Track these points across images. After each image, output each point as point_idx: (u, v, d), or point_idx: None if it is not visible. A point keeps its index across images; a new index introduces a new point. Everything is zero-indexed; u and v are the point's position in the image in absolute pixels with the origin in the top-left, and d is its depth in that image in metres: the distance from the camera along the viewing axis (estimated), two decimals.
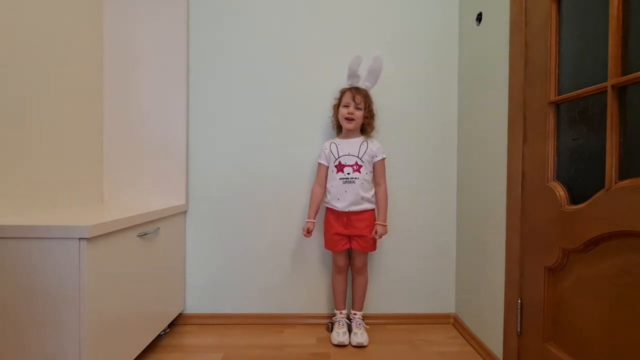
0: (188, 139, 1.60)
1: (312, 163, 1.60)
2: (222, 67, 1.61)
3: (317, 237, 1.57)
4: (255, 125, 1.62)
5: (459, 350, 1.40)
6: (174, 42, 1.55)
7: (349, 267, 1.53)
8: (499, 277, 1.23)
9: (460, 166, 1.60)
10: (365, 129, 1.49)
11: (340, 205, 1.42)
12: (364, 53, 1.45)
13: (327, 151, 1.47)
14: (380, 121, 1.57)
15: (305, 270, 1.64)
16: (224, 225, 1.62)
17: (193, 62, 1.60)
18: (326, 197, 1.48)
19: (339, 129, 1.53)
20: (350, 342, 1.42)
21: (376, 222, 1.43)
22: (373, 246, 1.45)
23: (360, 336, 1.41)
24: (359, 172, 1.41)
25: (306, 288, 1.64)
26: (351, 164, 1.42)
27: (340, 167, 1.43)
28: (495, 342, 1.26)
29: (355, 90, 1.43)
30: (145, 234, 1.21)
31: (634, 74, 0.76)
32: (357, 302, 1.51)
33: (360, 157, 1.42)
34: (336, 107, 1.48)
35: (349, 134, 1.47)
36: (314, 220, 1.47)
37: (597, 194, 0.84)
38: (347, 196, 1.41)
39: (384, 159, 1.46)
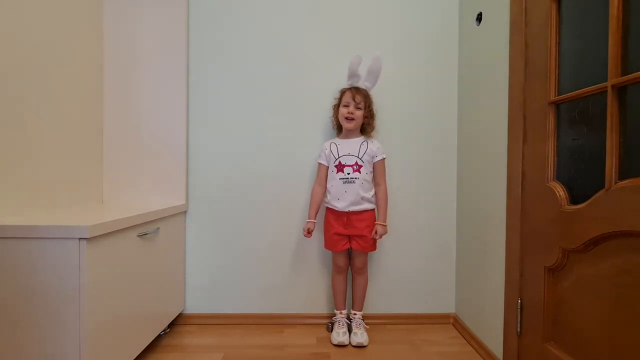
0: (188, 139, 1.60)
1: (312, 163, 1.60)
2: (222, 67, 1.61)
3: (317, 237, 1.57)
4: (255, 125, 1.62)
5: (459, 350, 1.40)
6: (174, 42, 1.55)
7: (349, 267, 1.53)
8: (499, 277, 1.23)
9: (460, 166, 1.60)
10: (365, 129, 1.49)
11: (340, 205, 1.42)
12: (364, 53, 1.45)
13: (327, 151, 1.47)
14: (380, 121, 1.57)
15: (305, 270, 1.64)
16: (224, 225, 1.62)
17: (193, 62, 1.60)
18: (326, 197, 1.48)
19: (339, 129, 1.53)
20: (350, 342, 1.42)
21: (376, 222, 1.43)
22: (373, 246, 1.45)
23: (360, 336, 1.41)
24: (359, 172, 1.41)
25: (306, 288, 1.64)
26: (351, 164, 1.42)
27: (340, 167, 1.43)
28: (495, 342, 1.26)
29: (355, 90, 1.43)
30: (145, 234, 1.21)
31: (634, 74, 0.76)
32: (357, 302, 1.51)
33: (360, 157, 1.42)
34: (336, 107, 1.48)
35: (349, 134, 1.47)
36: (315, 221, 1.47)
37: (597, 194, 0.84)
38: (347, 196, 1.41)
39: (384, 159, 1.46)
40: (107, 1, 1.53)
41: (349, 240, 1.45)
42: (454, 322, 1.63)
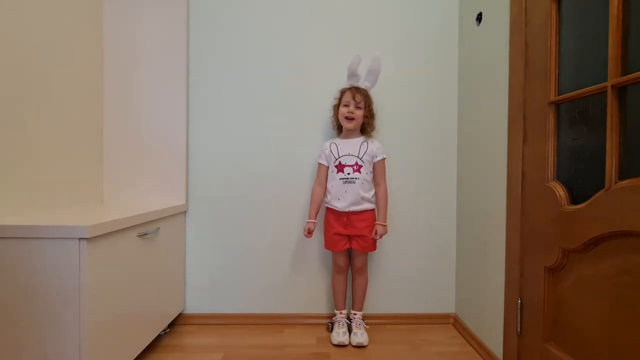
0: (188, 139, 1.60)
1: (312, 163, 1.60)
2: (222, 67, 1.61)
3: (317, 237, 1.57)
4: (255, 125, 1.62)
5: (459, 350, 1.40)
6: (174, 42, 1.55)
7: (349, 267, 1.53)
8: (499, 277, 1.23)
9: (460, 166, 1.60)
10: (365, 128, 1.49)
11: (340, 205, 1.42)
12: (364, 53, 1.45)
13: (327, 151, 1.47)
14: (380, 121, 1.57)
15: (305, 270, 1.64)
16: (224, 225, 1.62)
17: (193, 62, 1.60)
18: (326, 197, 1.48)
19: (339, 129, 1.53)
20: (350, 342, 1.42)
21: (376, 222, 1.43)
22: (373, 246, 1.45)
23: (360, 336, 1.41)
24: (359, 172, 1.41)
25: (306, 288, 1.64)
26: (351, 164, 1.42)
27: (340, 167, 1.43)
28: (495, 342, 1.26)
29: (355, 90, 1.43)
30: (145, 234, 1.21)
31: (634, 74, 0.76)
32: (357, 302, 1.51)
33: (360, 157, 1.42)
34: (336, 107, 1.48)
35: (349, 134, 1.47)
36: (315, 221, 1.47)
37: (597, 194, 0.84)
38: (347, 196, 1.41)
39: (384, 159, 1.46)
40: (107, 1, 1.53)
41: (349, 240, 1.45)
42: (454, 322, 1.63)
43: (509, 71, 1.18)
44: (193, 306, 1.63)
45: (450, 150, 1.64)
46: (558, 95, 0.99)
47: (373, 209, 1.46)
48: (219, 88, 1.61)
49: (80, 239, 0.90)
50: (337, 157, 1.44)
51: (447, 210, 1.64)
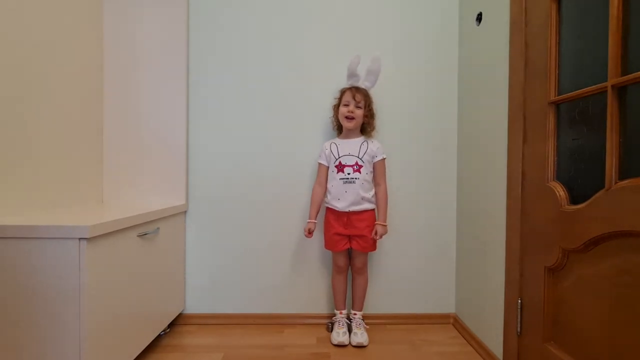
0: (188, 139, 1.60)
1: (312, 163, 1.60)
2: (222, 67, 1.61)
3: (318, 237, 1.57)
4: (255, 125, 1.62)
5: (459, 350, 1.40)
6: (174, 42, 1.55)
7: (349, 267, 1.53)
8: (499, 277, 1.23)
9: (460, 166, 1.60)
10: (365, 128, 1.49)
11: (340, 205, 1.42)
12: (364, 53, 1.45)
13: (327, 151, 1.47)
14: (380, 121, 1.57)
15: (305, 270, 1.64)
16: (224, 225, 1.62)
17: (193, 62, 1.60)
18: (326, 197, 1.48)
19: (339, 130, 1.53)
20: (350, 342, 1.42)
21: (376, 222, 1.43)
22: (373, 246, 1.45)
23: (360, 336, 1.41)
24: (359, 172, 1.41)
25: (306, 288, 1.64)
26: (351, 164, 1.42)
27: (340, 167, 1.43)
28: (495, 342, 1.26)
29: (355, 90, 1.43)
30: (145, 234, 1.21)
31: (634, 74, 0.76)
32: (357, 302, 1.51)
33: (360, 157, 1.42)
34: (336, 107, 1.48)
35: (349, 134, 1.47)
36: (315, 221, 1.47)
37: (597, 194, 0.84)
38: (347, 196, 1.41)
39: (384, 159, 1.46)
40: (107, 1, 1.53)
41: (349, 240, 1.45)
42: (454, 322, 1.63)
43: (509, 71, 1.18)
44: (193, 306, 1.63)
45: (450, 150, 1.64)
46: (558, 95, 0.99)
47: (373, 209, 1.46)
48: (219, 88, 1.61)
49: (80, 239, 0.90)
50: (337, 157, 1.44)
51: (447, 210, 1.64)
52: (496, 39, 1.28)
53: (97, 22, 1.50)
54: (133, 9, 1.54)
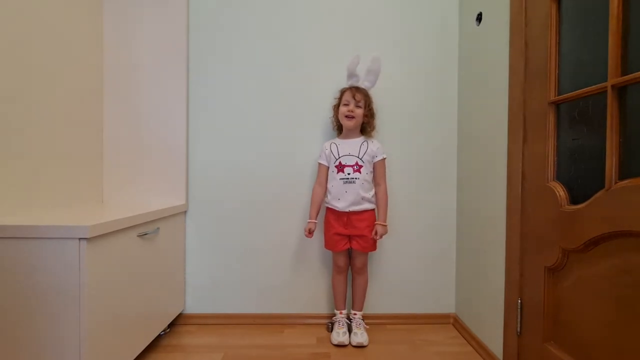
0: (188, 139, 1.60)
1: (313, 163, 1.60)
2: (222, 67, 1.61)
3: (318, 237, 1.57)
4: (255, 125, 1.62)
5: (459, 350, 1.40)
6: (174, 42, 1.55)
7: (349, 267, 1.53)
8: (499, 277, 1.23)
9: (460, 166, 1.60)
10: (365, 128, 1.49)
11: (340, 205, 1.42)
12: (364, 53, 1.45)
13: (327, 151, 1.47)
14: (380, 121, 1.57)
15: (305, 270, 1.64)
16: (224, 225, 1.62)
17: (193, 62, 1.60)
18: (326, 197, 1.48)
19: (339, 130, 1.53)
20: (350, 342, 1.42)
21: (376, 222, 1.43)
22: (373, 246, 1.45)
23: (360, 336, 1.41)
24: (360, 172, 1.41)
25: (306, 288, 1.64)
26: (351, 164, 1.42)
27: (340, 168, 1.43)
28: (495, 342, 1.26)
29: (355, 89, 1.43)
30: (145, 234, 1.21)
31: (634, 74, 0.76)
32: (357, 302, 1.51)
33: (360, 157, 1.42)
34: (336, 107, 1.48)
35: (349, 134, 1.47)
36: (316, 221, 1.47)
37: (597, 194, 0.84)
38: (347, 196, 1.41)
39: (384, 159, 1.46)
40: (107, 1, 1.53)
41: (349, 240, 1.45)
42: (454, 322, 1.63)
43: (509, 71, 1.18)
44: (193, 306, 1.63)
45: (450, 150, 1.64)
46: (558, 95, 0.99)
47: (373, 209, 1.46)
48: (219, 88, 1.61)
49: (80, 239, 0.90)
50: (337, 157, 1.44)
51: (447, 210, 1.64)
52: (496, 39, 1.28)
53: (97, 22, 1.50)
54: (133, 9, 1.54)
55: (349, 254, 1.51)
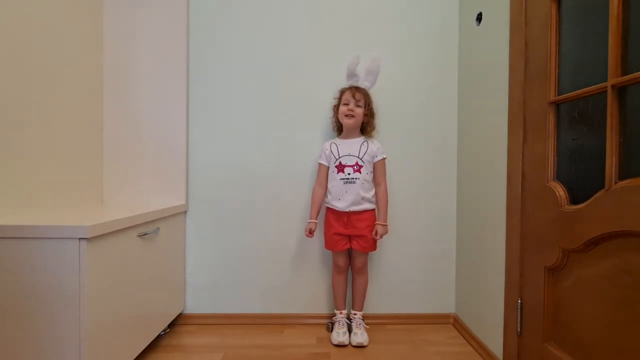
0: (188, 139, 1.60)
1: (313, 163, 1.60)
2: (222, 67, 1.61)
3: (318, 237, 1.57)
4: (255, 125, 1.62)
5: (459, 350, 1.40)
6: (174, 42, 1.55)
7: (349, 267, 1.53)
8: (499, 277, 1.23)
9: (460, 166, 1.60)
10: (365, 128, 1.49)
11: (340, 205, 1.42)
12: (364, 53, 1.45)
13: (327, 151, 1.47)
14: (380, 121, 1.57)
15: (305, 270, 1.64)
16: (224, 225, 1.62)
17: (193, 62, 1.60)
18: (327, 197, 1.48)
19: (339, 131, 1.53)
20: (350, 342, 1.42)
21: (376, 222, 1.43)
22: (373, 246, 1.45)
23: (360, 336, 1.41)
24: (360, 172, 1.41)
25: (306, 288, 1.64)
26: (352, 164, 1.42)
27: (340, 168, 1.43)
28: (495, 342, 1.26)
29: (355, 89, 1.43)
30: (145, 234, 1.21)
31: (634, 74, 0.76)
32: (357, 302, 1.51)
33: (360, 157, 1.42)
34: (336, 107, 1.48)
35: (349, 134, 1.47)
36: (316, 221, 1.47)
37: (597, 194, 0.84)
38: (347, 196, 1.41)
39: (384, 159, 1.46)
40: (107, 1, 1.53)
41: (349, 240, 1.45)
42: (454, 322, 1.63)
43: (509, 71, 1.18)
44: (193, 306, 1.63)
45: (450, 150, 1.64)
46: (558, 95, 0.99)
47: (373, 209, 1.46)
48: (219, 88, 1.61)
49: (80, 239, 0.90)
50: (337, 157, 1.44)
51: (447, 210, 1.64)
52: (496, 39, 1.28)
53: (97, 22, 1.50)
54: (133, 9, 1.54)
55: (349, 254, 1.51)
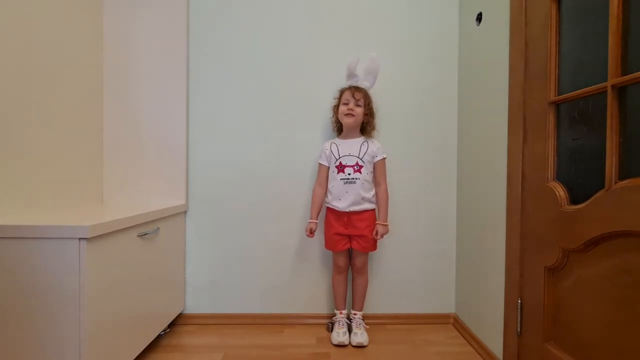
0: (188, 139, 1.60)
1: (313, 163, 1.60)
2: (222, 67, 1.61)
3: (318, 237, 1.57)
4: (255, 125, 1.62)
5: (459, 350, 1.40)
6: (174, 42, 1.55)
7: (349, 267, 1.53)
8: (499, 277, 1.23)
9: (460, 166, 1.60)
10: (366, 128, 1.49)
11: (341, 205, 1.42)
12: (364, 53, 1.45)
13: (327, 151, 1.47)
14: (380, 121, 1.57)
15: (305, 270, 1.64)
16: (224, 225, 1.62)
17: (193, 62, 1.60)
18: (327, 197, 1.48)
19: (339, 131, 1.53)
20: (350, 342, 1.42)
21: (377, 222, 1.43)
22: (373, 246, 1.46)
23: (360, 336, 1.41)
24: (360, 172, 1.41)
25: (306, 288, 1.64)
26: (352, 164, 1.42)
27: (341, 168, 1.43)
28: (495, 342, 1.26)
29: (355, 89, 1.43)
30: (145, 234, 1.21)
31: (634, 74, 0.76)
32: (357, 302, 1.51)
33: (360, 157, 1.42)
34: (336, 107, 1.48)
35: (350, 134, 1.47)
36: (317, 221, 1.47)
37: (597, 194, 0.84)
38: (348, 196, 1.41)
39: (385, 158, 1.46)
40: (107, 1, 1.53)
41: (350, 240, 1.45)
42: (454, 322, 1.63)
43: (509, 71, 1.18)
44: (193, 306, 1.63)
45: (450, 150, 1.64)
46: (558, 95, 0.99)
47: (373, 209, 1.46)
48: (218, 88, 1.61)
49: (80, 239, 0.90)
50: (337, 157, 1.44)
51: (447, 210, 1.64)
52: (496, 39, 1.28)
53: (97, 22, 1.50)
54: (133, 9, 1.54)
55: (349, 254, 1.51)
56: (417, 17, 1.62)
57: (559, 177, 0.99)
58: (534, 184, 1.06)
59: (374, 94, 1.50)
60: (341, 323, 1.47)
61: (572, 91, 0.94)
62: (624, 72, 0.79)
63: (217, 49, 1.61)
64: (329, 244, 1.48)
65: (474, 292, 1.46)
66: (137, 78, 1.55)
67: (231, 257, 1.63)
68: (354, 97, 1.41)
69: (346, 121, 1.43)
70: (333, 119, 1.52)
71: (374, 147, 1.44)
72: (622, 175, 0.80)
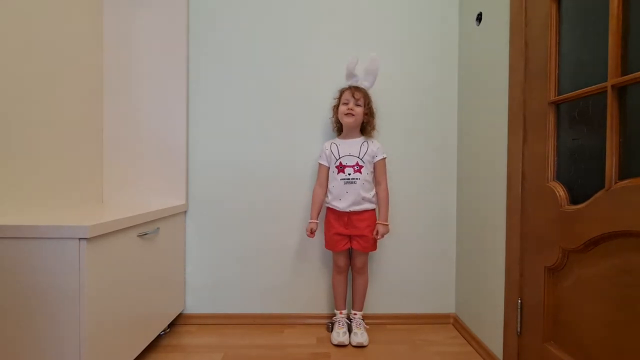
0: (188, 139, 1.60)
1: (313, 163, 1.60)
2: (222, 67, 1.61)
3: (318, 237, 1.57)
4: (255, 125, 1.62)
5: (459, 350, 1.40)
6: (174, 42, 1.55)
7: (350, 267, 1.53)
8: (499, 277, 1.23)
9: (460, 166, 1.60)
10: (366, 128, 1.49)
11: (341, 205, 1.42)
12: (364, 53, 1.45)
13: (327, 152, 1.47)
14: (380, 121, 1.57)
15: (305, 270, 1.64)
16: (224, 225, 1.62)
17: (193, 62, 1.60)
18: (327, 197, 1.48)
19: (339, 131, 1.53)
20: (350, 342, 1.42)
21: (377, 222, 1.43)
22: (373, 246, 1.46)
23: (360, 336, 1.41)
24: (360, 172, 1.41)
25: (306, 288, 1.64)
26: (352, 164, 1.42)
27: (341, 168, 1.43)
28: (495, 342, 1.26)
29: (355, 89, 1.43)
30: (145, 234, 1.21)
31: (634, 74, 0.76)
32: (357, 302, 1.51)
33: (361, 157, 1.42)
34: (336, 108, 1.48)
35: (350, 134, 1.47)
36: (317, 221, 1.47)
37: (597, 194, 0.84)
38: (348, 196, 1.41)
39: (385, 158, 1.46)
40: (107, 1, 1.53)
41: (350, 240, 1.45)
42: (454, 322, 1.63)
43: (509, 71, 1.18)
44: (193, 306, 1.63)
45: (450, 150, 1.64)
46: (558, 95, 0.99)
47: (374, 209, 1.46)
48: (218, 88, 1.61)
49: (80, 239, 0.90)
50: (337, 157, 1.44)
51: (447, 210, 1.64)
52: (496, 39, 1.28)
53: (97, 22, 1.50)
54: (133, 9, 1.54)
55: (350, 254, 1.51)
56: (417, 17, 1.62)
57: (559, 177, 0.99)
58: (534, 184, 1.06)
59: (374, 94, 1.50)
60: (341, 323, 1.47)
61: (572, 91, 0.94)
62: (624, 72, 0.79)
63: (217, 49, 1.61)
64: (329, 244, 1.48)
65: (474, 292, 1.46)
66: (137, 78, 1.55)
67: (231, 257, 1.63)
68: (353, 97, 1.41)
69: (346, 121, 1.43)
70: (333, 119, 1.52)
71: (374, 147, 1.44)
72: (622, 175, 0.80)
